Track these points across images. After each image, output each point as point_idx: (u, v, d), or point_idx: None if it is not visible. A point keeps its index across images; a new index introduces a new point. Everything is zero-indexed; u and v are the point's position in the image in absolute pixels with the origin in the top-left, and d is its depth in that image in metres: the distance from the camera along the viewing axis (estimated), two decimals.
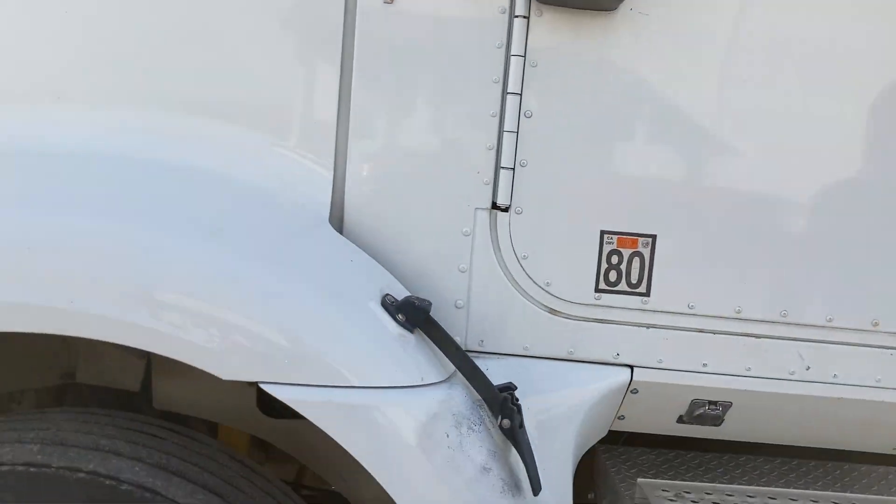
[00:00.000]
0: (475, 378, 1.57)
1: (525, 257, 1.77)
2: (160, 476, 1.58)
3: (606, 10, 1.68)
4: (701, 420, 1.93)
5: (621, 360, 1.83)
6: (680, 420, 1.95)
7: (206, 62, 1.73)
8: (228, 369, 1.42)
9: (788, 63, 1.73)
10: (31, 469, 1.51)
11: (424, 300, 1.59)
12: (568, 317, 1.80)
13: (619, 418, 1.93)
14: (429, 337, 1.58)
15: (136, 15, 1.72)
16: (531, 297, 1.79)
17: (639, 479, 1.99)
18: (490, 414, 1.57)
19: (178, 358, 1.41)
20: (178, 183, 1.67)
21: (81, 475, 1.53)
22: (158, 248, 1.44)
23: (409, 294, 1.65)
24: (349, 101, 1.74)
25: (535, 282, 1.78)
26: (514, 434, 1.52)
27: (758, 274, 1.79)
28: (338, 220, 1.77)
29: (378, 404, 1.45)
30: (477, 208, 1.76)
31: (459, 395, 1.55)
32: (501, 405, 1.55)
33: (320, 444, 1.53)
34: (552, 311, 1.80)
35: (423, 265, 1.77)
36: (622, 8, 1.69)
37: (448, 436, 1.48)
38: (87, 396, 2.31)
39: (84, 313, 1.38)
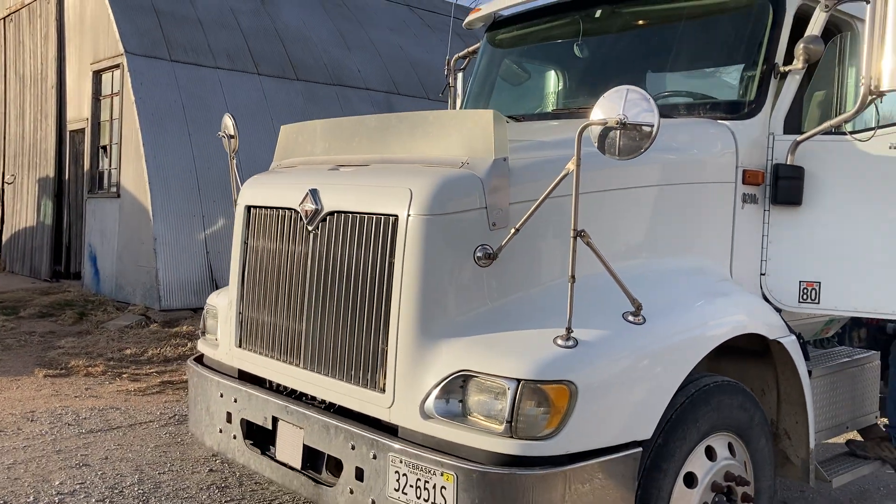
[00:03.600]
0: None
1: (771, 290, 4.98)
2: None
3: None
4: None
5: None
6: None
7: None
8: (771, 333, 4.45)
9: None
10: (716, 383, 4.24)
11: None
12: (784, 312, 5.05)
13: None
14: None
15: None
16: (774, 303, 5.01)
17: None
18: None
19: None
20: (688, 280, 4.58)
21: (724, 381, 4.30)
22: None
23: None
24: (732, 241, 4.82)
25: (776, 298, 4.99)
26: None
27: None
28: None
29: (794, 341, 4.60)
30: (760, 274, 4.96)
31: None
32: None
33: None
34: (777, 310, 5.03)
35: None
36: None
37: None
38: None
39: None
